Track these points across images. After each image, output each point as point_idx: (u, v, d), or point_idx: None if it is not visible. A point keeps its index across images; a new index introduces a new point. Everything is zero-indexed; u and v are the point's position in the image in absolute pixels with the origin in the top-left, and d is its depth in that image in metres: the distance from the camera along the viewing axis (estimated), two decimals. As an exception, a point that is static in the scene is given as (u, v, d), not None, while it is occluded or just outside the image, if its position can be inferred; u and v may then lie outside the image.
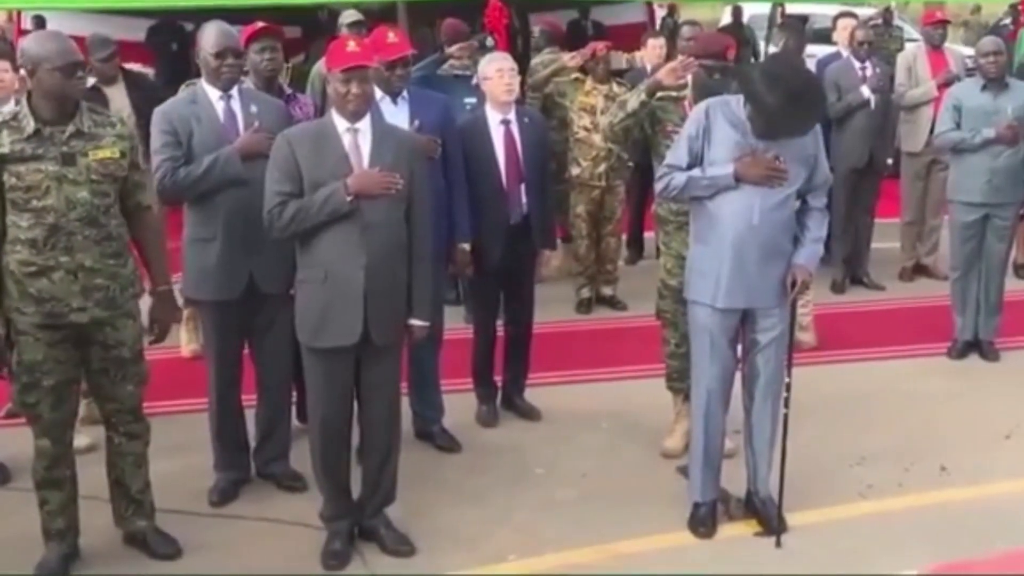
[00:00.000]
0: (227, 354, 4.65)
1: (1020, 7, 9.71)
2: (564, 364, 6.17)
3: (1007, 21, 10.70)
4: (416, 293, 4.16)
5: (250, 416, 4.80)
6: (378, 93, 4.63)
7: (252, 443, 4.83)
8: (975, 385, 6.03)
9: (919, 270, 8.05)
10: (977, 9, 18.74)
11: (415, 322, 4.19)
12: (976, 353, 6.43)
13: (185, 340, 6.25)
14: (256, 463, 4.83)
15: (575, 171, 7.02)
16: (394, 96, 4.82)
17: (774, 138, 4.15)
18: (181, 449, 4.88)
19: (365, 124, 4.03)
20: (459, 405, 5.40)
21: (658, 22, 12.63)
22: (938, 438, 5.30)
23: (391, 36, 4.79)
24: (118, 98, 6.38)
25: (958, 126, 6.31)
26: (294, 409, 4.96)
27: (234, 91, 4.51)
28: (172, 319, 4.31)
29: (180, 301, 4.53)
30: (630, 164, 7.21)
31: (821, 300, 6.84)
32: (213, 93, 4.49)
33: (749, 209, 4.18)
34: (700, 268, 4.35)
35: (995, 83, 6.28)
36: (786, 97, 3.97)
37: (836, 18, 8.49)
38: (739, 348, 4.43)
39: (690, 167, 4.27)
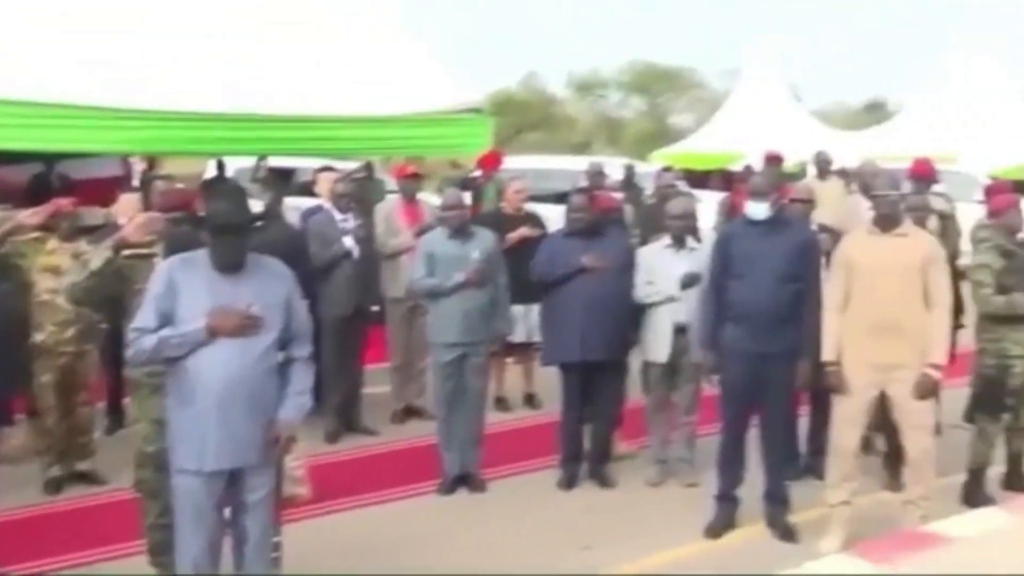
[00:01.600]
0: None
1: (479, 163, 10.71)
2: (30, 554, 5.50)
3: (477, 174, 11.80)
4: None
5: None
6: None
7: None
8: (466, 518, 6.22)
9: (410, 412, 8.26)
10: (456, 164, 20.24)
11: None
12: (465, 487, 6.65)
13: None
14: None
15: (40, 337, 6.41)
16: None
17: (232, 259, 4.13)
18: None
19: None
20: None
21: (137, 176, 12.18)
22: None
23: None
24: None
25: (432, 273, 6.63)
26: None
27: None
28: None
29: None
30: (103, 326, 6.74)
31: (316, 451, 6.75)
32: None
33: (229, 363, 4.09)
34: (183, 431, 4.14)
35: (461, 232, 6.70)
36: (215, 201, 4.15)
37: (318, 171, 8.72)
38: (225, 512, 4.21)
39: (161, 327, 4.09)
